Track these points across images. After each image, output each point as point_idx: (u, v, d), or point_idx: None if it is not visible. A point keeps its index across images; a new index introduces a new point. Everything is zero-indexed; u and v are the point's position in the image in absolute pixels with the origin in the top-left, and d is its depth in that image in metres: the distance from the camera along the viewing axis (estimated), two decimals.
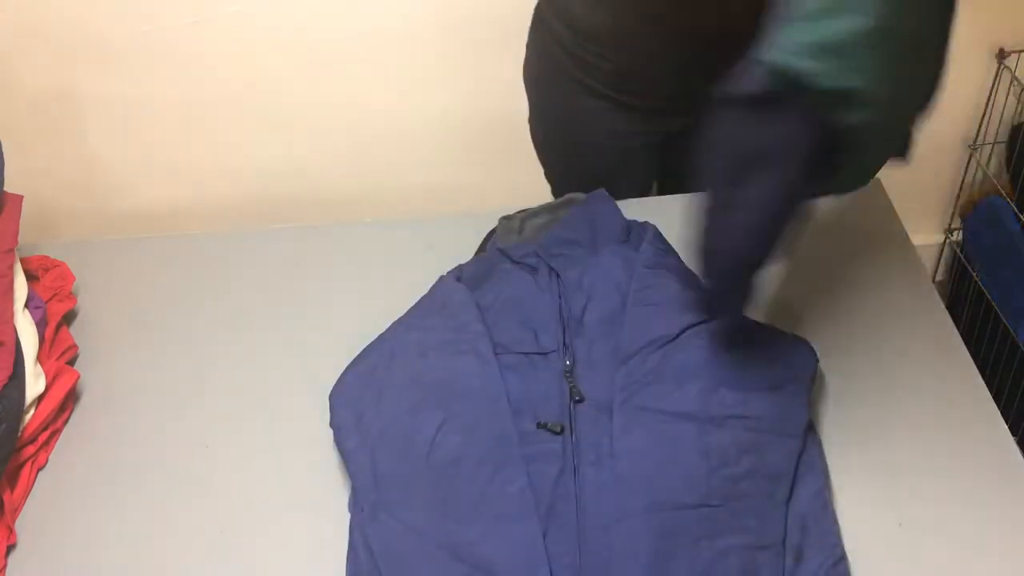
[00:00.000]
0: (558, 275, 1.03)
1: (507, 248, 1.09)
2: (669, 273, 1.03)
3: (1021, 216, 1.58)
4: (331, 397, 1.00)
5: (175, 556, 0.95)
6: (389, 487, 0.89)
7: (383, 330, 1.05)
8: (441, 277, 1.09)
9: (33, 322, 1.11)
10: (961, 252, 1.83)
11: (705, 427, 0.87)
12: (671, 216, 1.27)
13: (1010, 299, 1.63)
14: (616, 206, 1.12)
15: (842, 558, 0.85)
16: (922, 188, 1.84)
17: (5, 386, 0.99)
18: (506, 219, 1.17)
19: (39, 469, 1.04)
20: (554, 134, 1.33)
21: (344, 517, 0.93)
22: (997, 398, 1.02)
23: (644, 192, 1.33)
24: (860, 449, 0.97)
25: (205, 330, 1.21)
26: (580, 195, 1.17)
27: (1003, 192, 1.66)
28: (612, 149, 1.28)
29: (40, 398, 1.06)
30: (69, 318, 1.23)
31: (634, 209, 1.20)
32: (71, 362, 1.17)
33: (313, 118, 1.61)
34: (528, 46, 1.29)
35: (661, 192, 1.35)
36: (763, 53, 0.71)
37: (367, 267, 1.28)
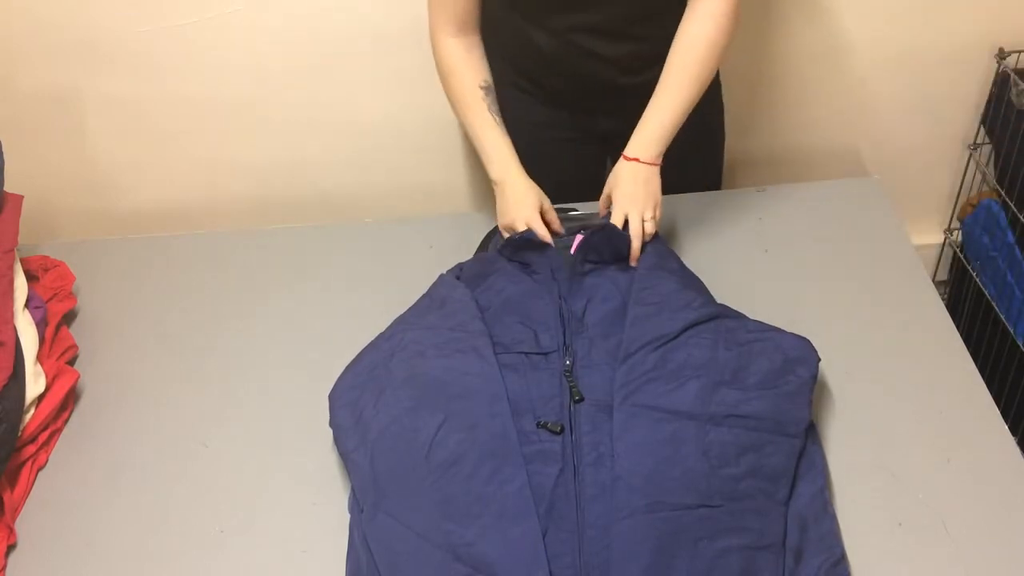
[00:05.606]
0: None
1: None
2: (669, 274, 1.03)
3: (1019, 216, 1.58)
4: (331, 397, 1.00)
5: (175, 556, 0.95)
6: (388, 487, 0.88)
7: (383, 329, 1.05)
8: (441, 275, 1.09)
9: (33, 322, 1.11)
10: (961, 252, 1.83)
11: (705, 426, 0.87)
12: (671, 216, 1.27)
13: (1010, 300, 1.63)
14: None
15: (842, 558, 0.85)
16: (922, 188, 1.84)
17: (5, 386, 0.99)
18: None
19: (39, 469, 1.04)
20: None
21: (344, 517, 0.93)
22: (997, 398, 1.02)
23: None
24: (860, 449, 0.97)
25: (205, 330, 1.21)
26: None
27: (1000, 193, 1.66)
28: (545, 142, 1.29)
29: (40, 398, 1.06)
30: (69, 318, 1.23)
31: None
32: (71, 362, 1.17)
33: (313, 118, 1.61)
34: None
35: None
36: None
37: (367, 267, 1.28)
